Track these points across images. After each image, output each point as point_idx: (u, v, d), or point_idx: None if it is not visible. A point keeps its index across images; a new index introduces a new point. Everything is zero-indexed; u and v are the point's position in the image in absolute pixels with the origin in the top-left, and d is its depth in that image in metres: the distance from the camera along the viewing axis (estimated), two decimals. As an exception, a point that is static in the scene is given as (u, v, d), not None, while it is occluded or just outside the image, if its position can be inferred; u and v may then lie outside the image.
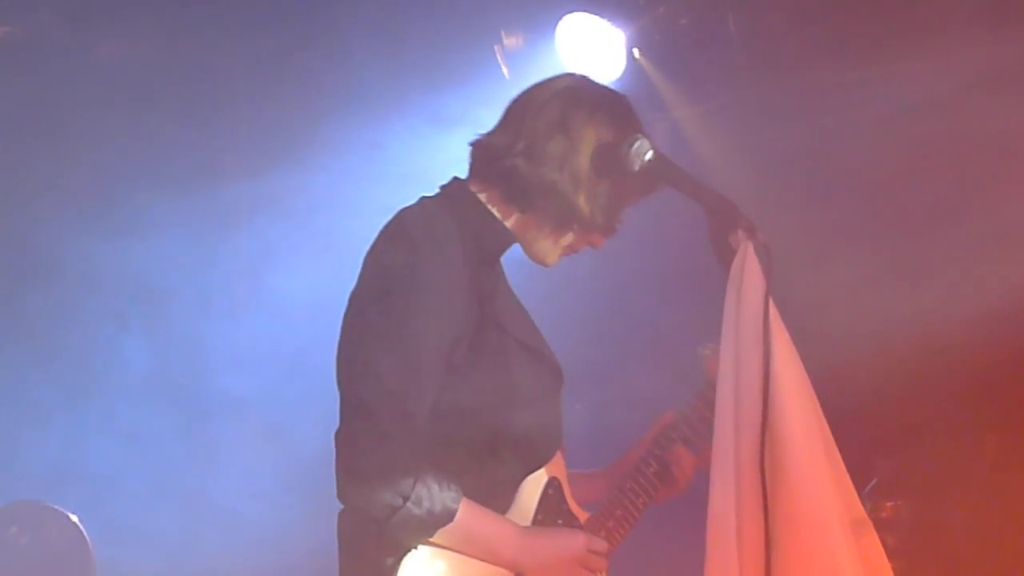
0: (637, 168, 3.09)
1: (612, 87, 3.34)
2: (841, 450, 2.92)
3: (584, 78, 3.30)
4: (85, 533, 5.58)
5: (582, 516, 3.31)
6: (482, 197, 3.20)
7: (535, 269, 3.32)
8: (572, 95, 3.19)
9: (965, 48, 5.17)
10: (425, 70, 6.07)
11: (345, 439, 2.95)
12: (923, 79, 5.30)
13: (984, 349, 5.06)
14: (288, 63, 6.26)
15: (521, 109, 3.19)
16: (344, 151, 6.22)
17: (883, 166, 5.48)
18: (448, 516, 2.96)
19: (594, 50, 5.91)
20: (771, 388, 2.83)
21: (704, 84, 6.15)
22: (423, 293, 2.99)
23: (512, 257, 3.34)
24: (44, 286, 6.23)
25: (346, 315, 3.11)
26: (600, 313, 6.19)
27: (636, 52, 6.05)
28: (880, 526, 3.04)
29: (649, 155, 3.08)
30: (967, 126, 5.12)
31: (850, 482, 2.92)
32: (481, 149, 3.22)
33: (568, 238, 3.23)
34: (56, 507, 5.64)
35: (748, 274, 2.92)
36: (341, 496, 2.96)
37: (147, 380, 6.32)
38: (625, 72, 5.99)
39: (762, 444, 2.82)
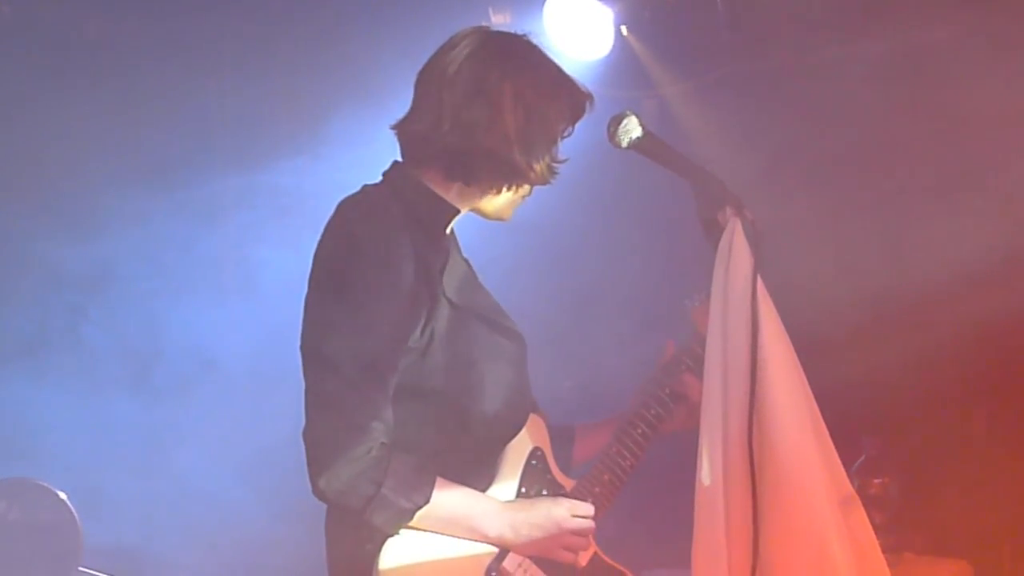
0: (625, 146, 3.08)
1: (513, 31, 3.28)
2: (829, 427, 2.92)
3: (482, 31, 3.23)
4: (74, 510, 5.57)
5: (568, 484, 3.32)
6: (423, 179, 3.18)
7: (522, 243, 3.31)
8: (478, 57, 3.15)
9: (956, 22, 5.16)
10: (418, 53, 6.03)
11: (312, 435, 2.95)
12: (913, 53, 5.30)
13: (973, 324, 5.06)
14: (284, 51, 6.23)
15: (434, 85, 3.15)
16: (344, 143, 6.18)
17: (872, 140, 5.48)
18: (424, 498, 2.97)
19: (582, 27, 5.89)
20: (759, 365, 2.84)
21: (692, 61, 6.14)
22: (370, 283, 2.98)
23: (498, 231, 3.34)
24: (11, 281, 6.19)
25: (303, 311, 3.10)
26: (589, 288, 6.18)
27: (624, 29, 6.03)
28: (868, 503, 3.04)
29: (637, 133, 3.08)
30: (956, 98, 5.12)
31: (838, 459, 2.94)
32: (409, 135, 3.20)
33: (516, 192, 3.22)
34: (45, 484, 5.63)
35: (736, 252, 2.93)
36: (316, 492, 2.95)
37: (110, 362, 6.27)
38: (613, 49, 5.97)
39: (750, 421, 2.83)
